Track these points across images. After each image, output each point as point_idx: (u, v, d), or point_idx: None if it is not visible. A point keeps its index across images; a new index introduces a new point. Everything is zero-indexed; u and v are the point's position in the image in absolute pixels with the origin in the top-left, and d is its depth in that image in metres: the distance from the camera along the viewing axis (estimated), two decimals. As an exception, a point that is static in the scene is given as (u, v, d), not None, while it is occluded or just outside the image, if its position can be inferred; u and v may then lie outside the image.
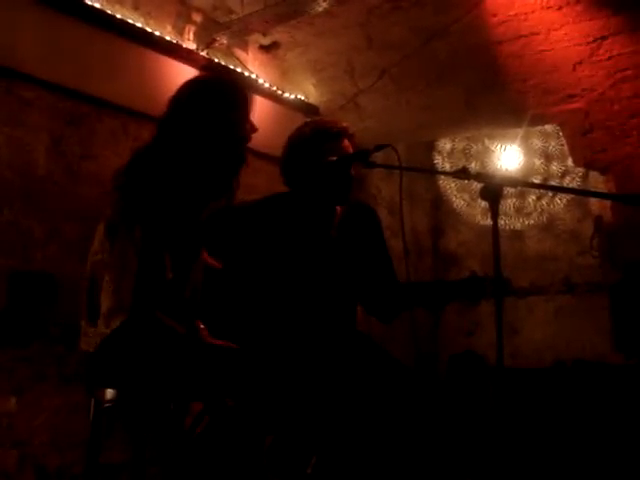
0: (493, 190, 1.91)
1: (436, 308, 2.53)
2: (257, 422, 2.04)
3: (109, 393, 2.10)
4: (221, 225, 2.61)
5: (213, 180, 2.14)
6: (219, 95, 2.14)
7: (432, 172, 5.84)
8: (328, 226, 2.63)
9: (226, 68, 3.82)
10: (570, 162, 4.52)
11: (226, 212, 2.72)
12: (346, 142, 2.59)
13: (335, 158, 2.52)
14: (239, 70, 3.91)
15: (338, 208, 2.68)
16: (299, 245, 2.54)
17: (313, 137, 2.57)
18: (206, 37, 3.73)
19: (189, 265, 2.15)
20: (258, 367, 2.03)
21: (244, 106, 2.20)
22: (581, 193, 5.02)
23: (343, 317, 2.57)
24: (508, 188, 4.83)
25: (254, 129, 2.22)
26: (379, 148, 2.36)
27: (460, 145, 5.29)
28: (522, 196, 5.09)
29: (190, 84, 2.18)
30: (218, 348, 2.11)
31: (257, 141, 3.87)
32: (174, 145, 2.06)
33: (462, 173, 2.07)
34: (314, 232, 2.59)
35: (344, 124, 2.66)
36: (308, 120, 2.92)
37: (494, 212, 1.90)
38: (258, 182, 3.88)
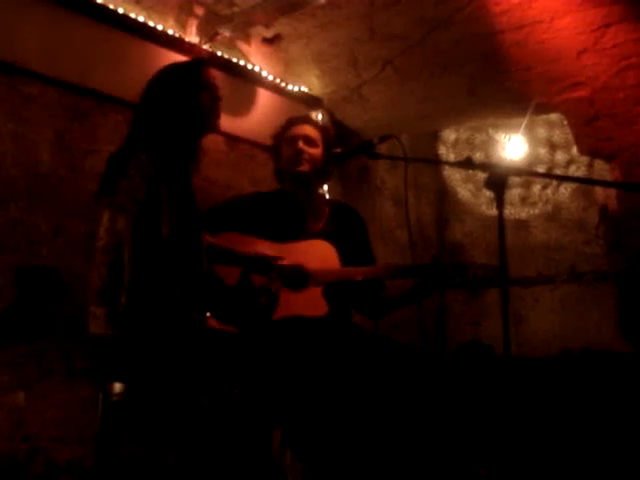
0: (498, 180, 1.91)
1: (434, 290, 2.60)
2: (264, 411, 2.05)
3: (118, 387, 2.11)
4: (215, 219, 2.66)
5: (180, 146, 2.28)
6: (182, 76, 2.33)
7: (437, 162, 5.84)
8: (316, 226, 2.69)
9: (229, 61, 3.82)
10: (575, 151, 4.50)
11: (221, 207, 2.77)
12: (297, 127, 2.76)
13: (340, 150, 2.54)
14: (242, 63, 3.90)
15: (326, 209, 2.74)
16: (286, 242, 2.59)
17: (283, 127, 2.80)
18: (209, 30, 3.72)
19: (192, 231, 2.25)
20: (262, 355, 2.06)
21: (197, 83, 2.32)
22: (586, 182, 5.02)
23: (338, 307, 2.59)
24: (513, 177, 4.84)
25: (213, 100, 2.36)
26: (383, 139, 2.37)
27: (464, 135, 5.28)
28: (527, 185, 5.08)
29: (159, 70, 2.39)
30: (223, 334, 2.14)
31: (261, 134, 3.90)
32: (148, 121, 2.28)
33: (467, 163, 2.07)
34: (302, 231, 2.65)
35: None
36: None
37: (499, 202, 1.90)
38: (265, 174, 3.88)
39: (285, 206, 2.71)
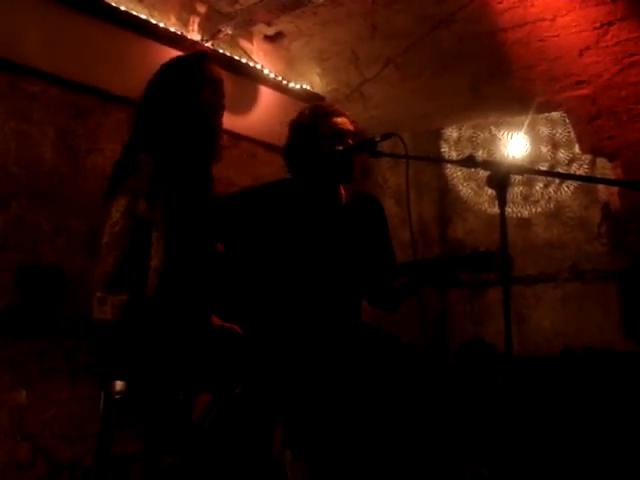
0: (500, 178, 1.90)
1: (442, 284, 2.57)
2: (265, 410, 2.05)
3: (119, 385, 2.11)
4: (224, 212, 2.62)
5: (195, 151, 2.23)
6: (182, 72, 2.28)
7: (439, 161, 5.82)
8: (333, 214, 2.63)
9: (231, 59, 3.82)
10: (577, 149, 4.49)
11: (229, 199, 2.72)
12: (340, 119, 2.61)
13: (341, 148, 2.52)
14: (244, 61, 3.90)
15: (343, 197, 2.67)
16: (304, 232, 2.54)
17: (310, 115, 2.63)
18: (211, 28, 3.73)
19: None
20: (265, 353, 2.05)
21: (199, 77, 2.29)
22: (588, 180, 4.99)
23: (349, 304, 2.57)
24: (515, 176, 4.83)
25: (216, 96, 2.33)
26: (385, 137, 2.35)
27: (466, 133, 5.26)
28: (529, 184, 5.07)
29: (160, 67, 2.34)
30: (226, 333, 2.13)
31: (263, 132, 3.90)
32: (152, 121, 2.23)
33: (469, 161, 2.06)
34: (319, 220, 2.59)
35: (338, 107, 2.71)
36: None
37: (501, 200, 1.89)
38: (266, 172, 3.89)
39: (307, 199, 2.62)
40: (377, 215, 2.75)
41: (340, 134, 2.56)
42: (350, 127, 2.60)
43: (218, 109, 2.32)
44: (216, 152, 2.29)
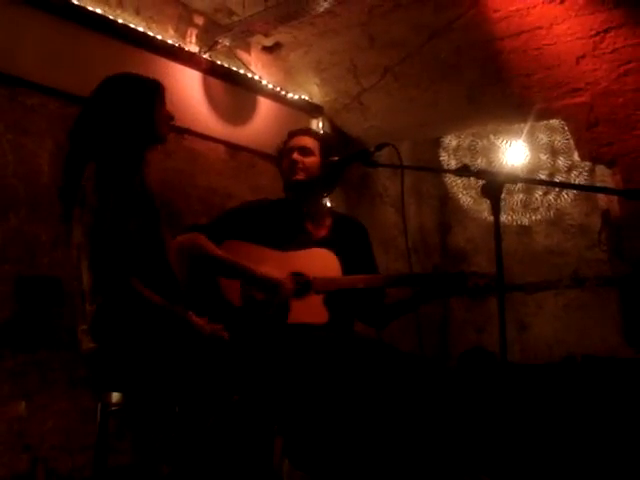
0: (493, 187, 1.91)
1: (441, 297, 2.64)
2: (264, 419, 2.05)
3: (115, 396, 2.11)
4: (227, 224, 2.67)
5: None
6: (124, 91, 2.25)
7: (433, 170, 5.84)
8: (319, 234, 2.70)
9: (229, 70, 3.84)
10: (576, 156, 4.49)
11: (233, 212, 2.78)
12: (295, 138, 2.77)
13: (337, 158, 2.55)
14: (242, 72, 3.92)
15: (330, 219, 2.75)
16: (289, 250, 2.60)
17: (284, 141, 2.83)
18: (208, 40, 3.75)
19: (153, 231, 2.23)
20: (263, 362, 2.05)
21: (146, 97, 2.27)
22: (585, 189, 4.99)
23: (338, 318, 2.59)
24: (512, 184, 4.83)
25: (166, 116, 2.32)
26: (379, 148, 2.37)
27: (466, 141, 5.27)
28: (529, 191, 5.07)
29: (110, 81, 2.29)
30: (216, 339, 2.13)
31: (261, 142, 3.91)
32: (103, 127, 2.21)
33: (463, 170, 2.07)
34: (305, 239, 2.65)
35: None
36: None
37: (495, 209, 1.90)
38: (263, 182, 3.91)
39: (289, 214, 2.72)
40: (360, 240, 2.81)
41: (287, 152, 2.74)
42: (300, 143, 2.74)
43: (168, 127, 2.33)
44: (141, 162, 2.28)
